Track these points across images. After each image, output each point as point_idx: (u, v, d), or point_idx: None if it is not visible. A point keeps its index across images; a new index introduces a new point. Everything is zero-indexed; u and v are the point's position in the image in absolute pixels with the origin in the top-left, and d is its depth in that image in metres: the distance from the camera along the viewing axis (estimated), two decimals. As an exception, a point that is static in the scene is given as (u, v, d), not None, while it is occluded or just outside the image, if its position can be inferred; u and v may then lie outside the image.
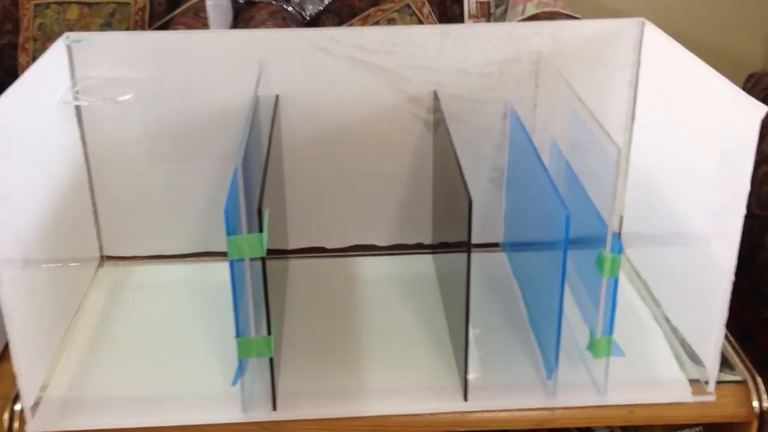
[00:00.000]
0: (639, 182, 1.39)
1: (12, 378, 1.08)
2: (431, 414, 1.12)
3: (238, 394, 1.11)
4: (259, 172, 1.12)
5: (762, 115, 0.98)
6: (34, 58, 2.44)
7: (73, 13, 2.46)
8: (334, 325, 1.29)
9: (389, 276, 1.42)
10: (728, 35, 2.99)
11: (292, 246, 1.48)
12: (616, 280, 1.07)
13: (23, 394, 1.08)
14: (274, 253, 1.20)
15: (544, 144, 1.40)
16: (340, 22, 2.62)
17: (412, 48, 1.34)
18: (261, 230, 1.02)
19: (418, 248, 1.49)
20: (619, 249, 1.05)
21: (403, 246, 1.49)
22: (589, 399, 1.13)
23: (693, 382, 1.16)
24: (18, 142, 1.10)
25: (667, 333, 1.26)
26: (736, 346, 1.22)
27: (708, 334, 1.13)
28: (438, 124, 1.34)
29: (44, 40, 2.45)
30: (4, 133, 1.05)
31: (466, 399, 1.13)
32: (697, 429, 1.29)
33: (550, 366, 1.13)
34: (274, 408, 1.11)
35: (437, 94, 1.37)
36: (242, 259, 1.05)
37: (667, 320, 1.28)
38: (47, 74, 1.26)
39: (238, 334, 1.06)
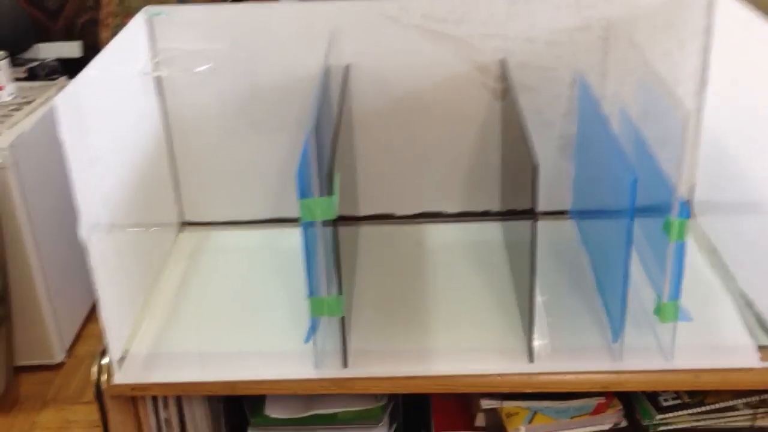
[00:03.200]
0: (711, 150, 1.38)
1: (100, 337, 1.15)
2: (498, 375, 1.14)
3: (311, 352, 1.16)
4: (329, 138, 1.16)
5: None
6: (115, 33, 2.52)
7: (151, -12, 2.54)
8: (403, 288, 1.33)
9: (457, 242, 1.44)
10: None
11: (362, 212, 1.51)
12: (683, 245, 1.07)
13: (110, 348, 1.14)
14: (345, 219, 1.24)
15: (613, 112, 1.40)
16: (411, -7, 2.63)
17: (480, 17, 1.36)
18: (332, 193, 1.05)
19: (486, 215, 1.51)
20: (686, 214, 1.05)
21: (472, 213, 1.51)
22: (656, 363, 1.14)
23: (762, 348, 1.15)
24: (102, 110, 1.16)
25: (737, 301, 1.26)
26: (808, 314, 1.21)
27: (778, 300, 1.12)
28: (506, 92, 1.36)
29: (124, 15, 2.53)
30: (90, 102, 1.11)
31: (532, 361, 1.15)
32: (766, 396, 1.28)
33: (617, 330, 1.14)
34: (345, 365, 1.15)
35: (505, 62, 1.38)
36: (314, 222, 1.08)
37: (739, 288, 1.27)
38: (129, 46, 1.31)
39: (310, 294, 1.10)
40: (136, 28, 1.34)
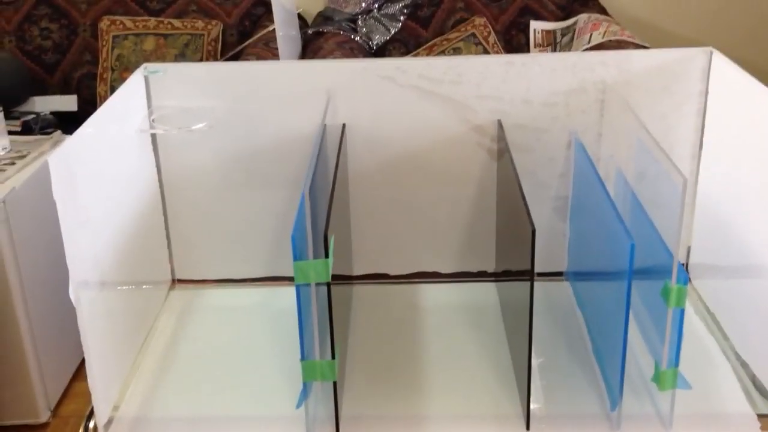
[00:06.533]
0: (707, 212, 1.38)
1: (86, 396, 1.12)
2: (493, 442, 1.12)
3: (302, 417, 1.13)
4: (325, 199, 1.15)
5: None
6: (112, 88, 2.54)
7: (149, 44, 2.55)
8: (397, 351, 1.31)
9: (452, 303, 1.43)
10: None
11: (356, 272, 1.50)
12: (683, 312, 1.06)
13: (97, 411, 1.11)
14: (339, 278, 1.22)
15: (609, 174, 1.40)
16: (407, 51, 2.66)
17: (476, 78, 1.36)
18: (327, 256, 1.04)
19: (481, 276, 1.50)
20: (685, 280, 1.04)
21: (467, 274, 1.50)
22: (655, 432, 1.12)
23: (762, 417, 1.13)
24: (97, 168, 1.15)
25: (735, 366, 1.24)
26: (808, 382, 1.19)
27: (778, 368, 1.11)
28: (502, 153, 1.35)
29: (121, 70, 2.55)
30: (84, 160, 1.10)
31: (528, 428, 1.13)
32: (767, 466, 1.26)
33: (614, 397, 1.12)
34: (338, 432, 1.12)
35: (501, 123, 1.38)
36: (308, 284, 1.07)
37: (736, 354, 1.26)
38: (126, 104, 1.31)
39: (303, 358, 1.08)
40: (133, 85, 1.34)
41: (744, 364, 1.23)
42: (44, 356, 1.84)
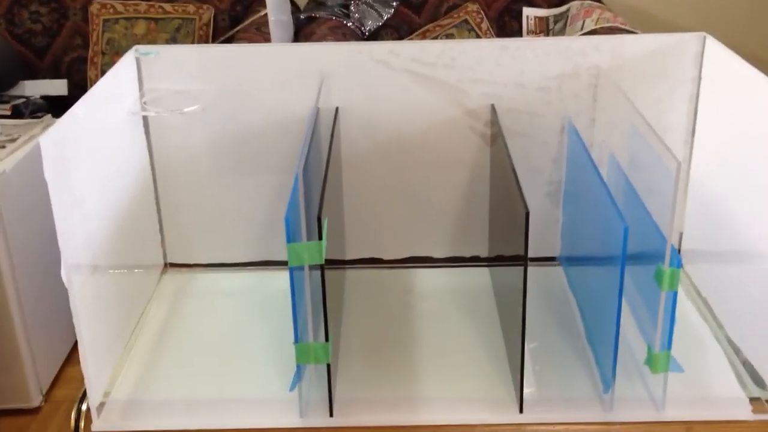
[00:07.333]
0: (699, 198, 1.38)
1: (78, 381, 1.12)
2: (486, 425, 1.12)
3: (296, 400, 1.13)
4: (318, 182, 1.14)
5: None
6: (103, 72, 2.52)
7: (140, 28, 2.54)
8: (390, 334, 1.31)
9: (446, 288, 1.43)
10: (793, 51, 2.93)
11: (349, 256, 1.50)
12: (675, 295, 1.06)
13: (90, 394, 1.11)
14: (332, 263, 1.22)
15: (602, 159, 1.40)
16: (399, 37, 2.65)
17: (470, 62, 1.36)
18: (320, 238, 1.04)
19: (474, 261, 1.50)
20: (678, 263, 1.05)
21: (460, 258, 1.50)
22: (647, 414, 1.12)
23: (754, 400, 1.14)
24: (88, 150, 1.14)
25: (727, 351, 1.24)
26: (799, 365, 1.20)
27: (770, 351, 1.11)
28: (495, 137, 1.35)
29: (112, 54, 2.53)
30: (75, 142, 1.10)
31: (521, 411, 1.13)
32: (757, 449, 1.26)
33: (607, 380, 1.12)
34: (331, 414, 1.12)
35: (495, 107, 1.38)
36: (302, 267, 1.07)
37: (728, 338, 1.26)
38: (117, 85, 1.30)
39: (296, 341, 1.08)
40: (125, 67, 1.33)
41: (736, 349, 1.23)
42: (36, 341, 1.83)
